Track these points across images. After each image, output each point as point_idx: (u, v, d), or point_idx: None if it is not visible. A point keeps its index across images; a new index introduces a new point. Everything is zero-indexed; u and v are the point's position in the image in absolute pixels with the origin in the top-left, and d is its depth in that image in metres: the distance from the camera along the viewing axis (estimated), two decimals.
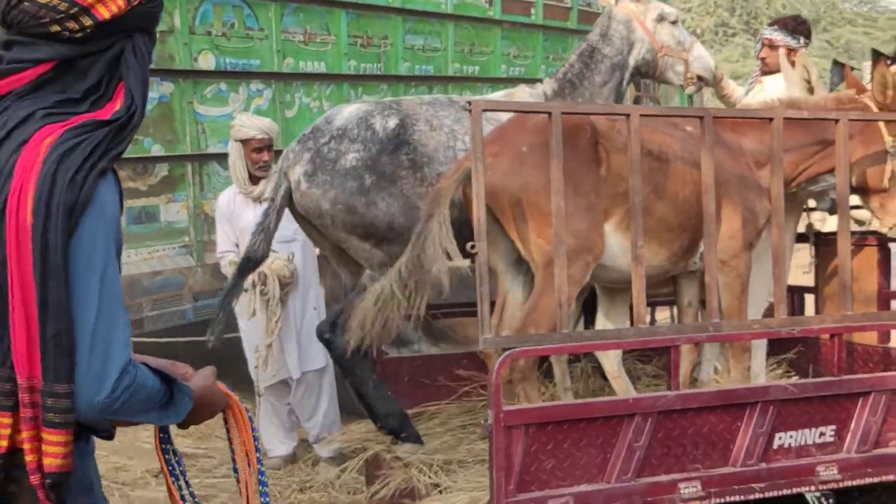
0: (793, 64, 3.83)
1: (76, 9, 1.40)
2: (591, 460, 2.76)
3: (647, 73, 4.10)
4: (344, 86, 5.82)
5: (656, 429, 2.81)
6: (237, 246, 4.26)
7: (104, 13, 1.42)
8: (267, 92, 5.37)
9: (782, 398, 2.96)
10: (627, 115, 2.82)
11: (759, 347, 3.60)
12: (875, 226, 3.67)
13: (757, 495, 2.91)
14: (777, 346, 3.93)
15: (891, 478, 3.11)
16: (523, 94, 3.89)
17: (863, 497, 3.34)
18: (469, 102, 2.69)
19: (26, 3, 1.41)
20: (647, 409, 2.81)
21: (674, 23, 4.03)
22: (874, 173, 3.25)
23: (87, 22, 1.42)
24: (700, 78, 4.09)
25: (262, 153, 4.20)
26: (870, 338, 3.69)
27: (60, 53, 1.43)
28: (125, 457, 4.13)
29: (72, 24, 1.41)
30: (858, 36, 20.32)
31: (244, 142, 4.18)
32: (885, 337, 3.69)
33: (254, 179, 4.26)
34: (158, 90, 4.80)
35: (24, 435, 1.38)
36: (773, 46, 4.12)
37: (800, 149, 3.27)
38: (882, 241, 3.74)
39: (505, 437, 2.61)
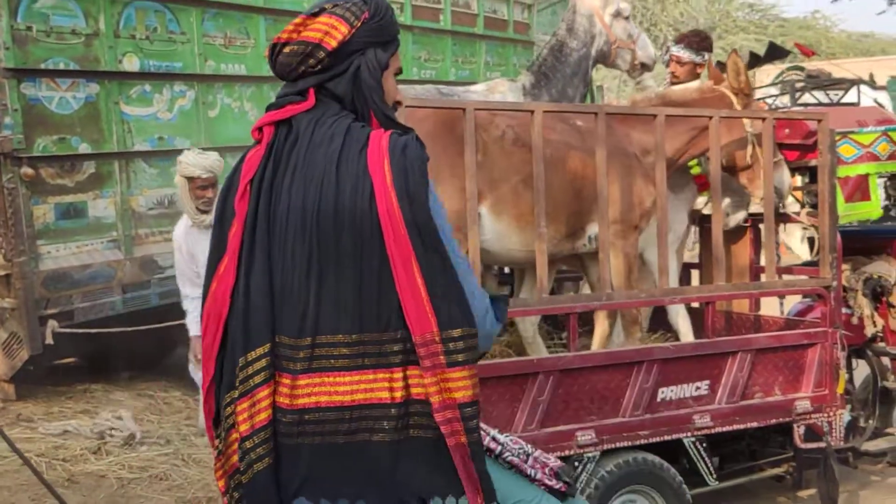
0: (697, 76, 4.44)
1: (310, 48, 1.68)
2: (500, 413, 3.15)
3: (602, 62, 4.68)
4: (264, 87, 6.08)
5: (557, 385, 3.23)
6: (198, 276, 4.42)
7: (332, 43, 1.68)
8: (190, 93, 5.59)
9: (664, 357, 3.43)
10: (531, 112, 3.24)
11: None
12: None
13: (642, 441, 3.36)
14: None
15: (755, 424, 3.62)
16: (503, 87, 4.35)
17: (733, 443, 3.85)
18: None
19: (280, 57, 1.72)
20: (549, 367, 3.22)
21: (626, 18, 4.64)
22: (739, 155, 3.78)
23: (321, 55, 1.69)
24: (643, 65, 4.73)
25: (206, 190, 4.30)
26: (746, 306, 4.24)
27: (311, 83, 1.71)
28: (61, 438, 4.32)
29: (311, 61, 1.69)
30: (751, 43, 21.46)
31: (189, 179, 4.30)
32: (755, 305, 4.23)
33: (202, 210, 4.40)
34: (85, 91, 4.98)
35: (428, 380, 1.59)
36: (680, 63, 4.64)
37: (678, 136, 3.75)
38: (754, 222, 4.28)
39: None
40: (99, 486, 3.68)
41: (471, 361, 1.63)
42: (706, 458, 3.49)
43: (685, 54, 4.62)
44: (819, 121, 3.77)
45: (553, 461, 2.03)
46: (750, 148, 3.73)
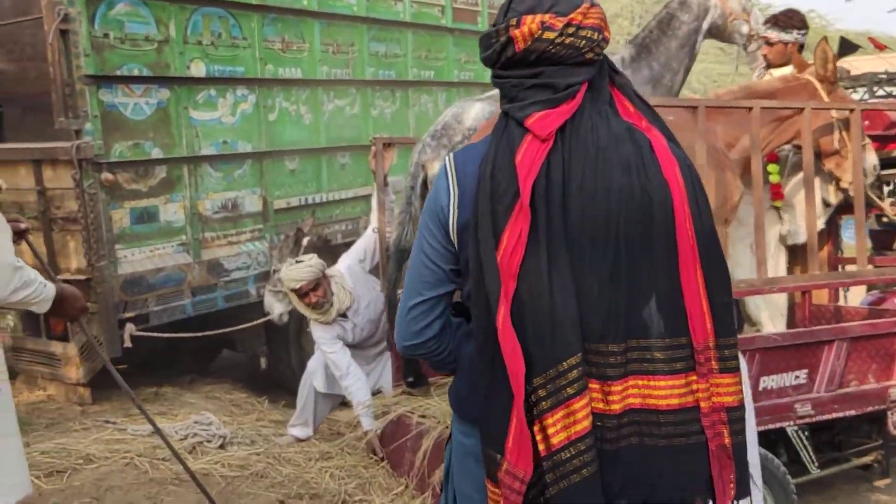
0: (790, 56, 4.48)
1: (599, 34, 1.67)
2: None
3: (717, 37, 4.66)
4: (318, 90, 6.15)
5: None
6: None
7: (607, 34, 1.69)
8: (251, 97, 5.65)
9: (765, 347, 3.52)
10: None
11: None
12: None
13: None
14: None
15: (852, 412, 3.71)
16: None
17: (823, 433, 3.94)
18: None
19: (569, 39, 1.65)
20: None
21: None
22: (825, 141, 3.88)
23: (604, 45, 1.69)
24: (756, 38, 4.66)
25: (309, 296, 4.52)
26: (824, 298, 4.33)
27: (590, 73, 1.68)
28: (150, 439, 4.37)
29: (597, 49, 1.67)
30: None
31: (293, 291, 4.54)
32: (835, 296, 4.33)
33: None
34: (157, 96, 5.03)
35: (700, 386, 1.62)
36: (770, 43, 4.64)
37: (762, 128, 3.84)
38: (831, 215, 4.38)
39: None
40: (207, 483, 3.72)
41: (738, 369, 1.66)
42: (808, 447, 3.58)
43: (773, 34, 4.61)
44: None
45: None
46: (836, 133, 3.83)
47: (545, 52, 1.66)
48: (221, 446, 4.40)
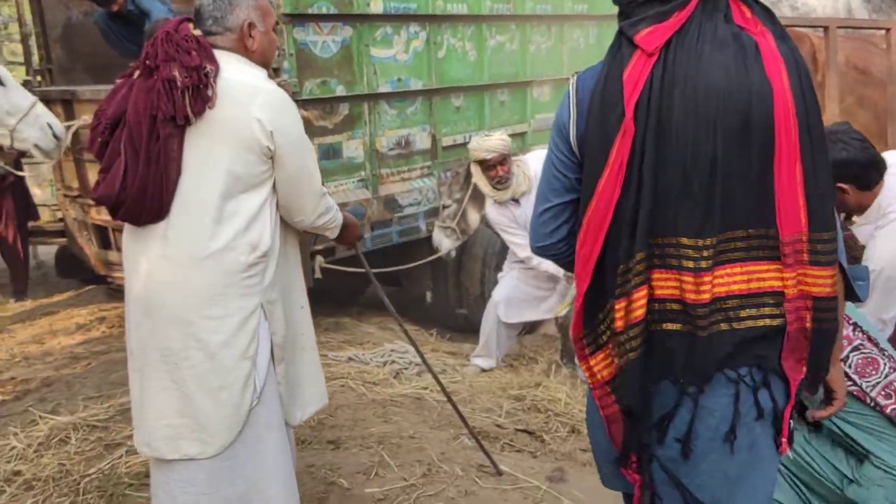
0: None
1: None
2: None
3: None
4: (483, 26, 6.15)
5: None
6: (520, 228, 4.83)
7: None
8: (422, 34, 5.70)
9: None
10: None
11: None
12: None
13: None
14: None
15: None
16: None
17: None
18: None
19: None
20: None
21: None
22: None
23: None
24: None
25: (495, 169, 4.67)
26: None
27: None
28: (350, 366, 4.59)
29: None
30: None
31: (479, 162, 4.68)
32: None
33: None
34: (341, 34, 5.14)
35: (788, 275, 1.75)
36: None
37: None
38: None
39: None
40: (422, 408, 3.91)
41: (833, 262, 1.75)
42: None
43: None
44: None
45: None
46: None
47: None
48: (418, 374, 4.59)
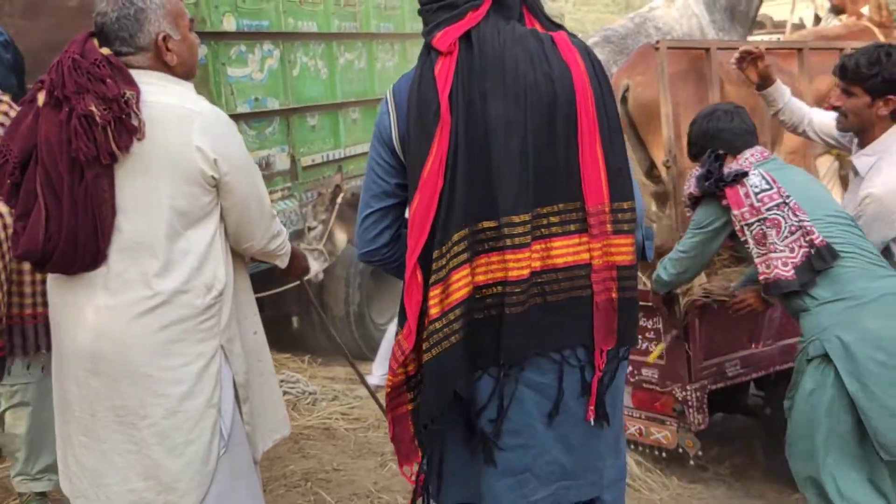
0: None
1: None
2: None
3: None
4: (333, 45, 6.06)
5: None
6: None
7: None
8: (276, 52, 5.52)
9: None
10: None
11: None
12: None
13: None
14: None
15: None
16: None
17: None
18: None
19: None
20: None
21: None
22: None
23: None
24: None
25: None
26: None
27: None
28: None
29: None
30: None
31: None
32: None
33: None
34: (199, 53, 4.85)
35: (594, 245, 1.89)
36: None
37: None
38: None
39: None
40: (333, 437, 3.77)
41: (633, 231, 1.92)
42: None
43: None
44: None
45: None
46: None
47: None
48: (313, 403, 4.42)
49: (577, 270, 1.88)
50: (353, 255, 5.90)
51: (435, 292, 1.81)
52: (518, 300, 1.82)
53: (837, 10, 5.02)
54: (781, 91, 3.24)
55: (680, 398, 3.51)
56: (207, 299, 2.22)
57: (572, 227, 1.88)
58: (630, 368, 3.58)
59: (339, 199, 5.52)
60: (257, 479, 2.44)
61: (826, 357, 2.45)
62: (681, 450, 3.58)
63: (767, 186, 2.65)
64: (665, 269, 3.08)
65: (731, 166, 2.76)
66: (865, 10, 4.61)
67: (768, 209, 2.62)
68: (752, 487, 3.79)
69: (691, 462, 3.68)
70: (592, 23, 20.21)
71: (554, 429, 1.89)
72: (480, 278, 1.83)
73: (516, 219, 1.82)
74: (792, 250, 2.56)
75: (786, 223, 2.58)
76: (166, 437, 2.16)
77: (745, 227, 2.65)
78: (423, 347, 1.85)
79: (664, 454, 3.70)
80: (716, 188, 2.70)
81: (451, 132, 1.83)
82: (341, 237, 5.65)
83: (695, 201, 2.87)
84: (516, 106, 1.84)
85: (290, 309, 6.06)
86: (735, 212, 2.67)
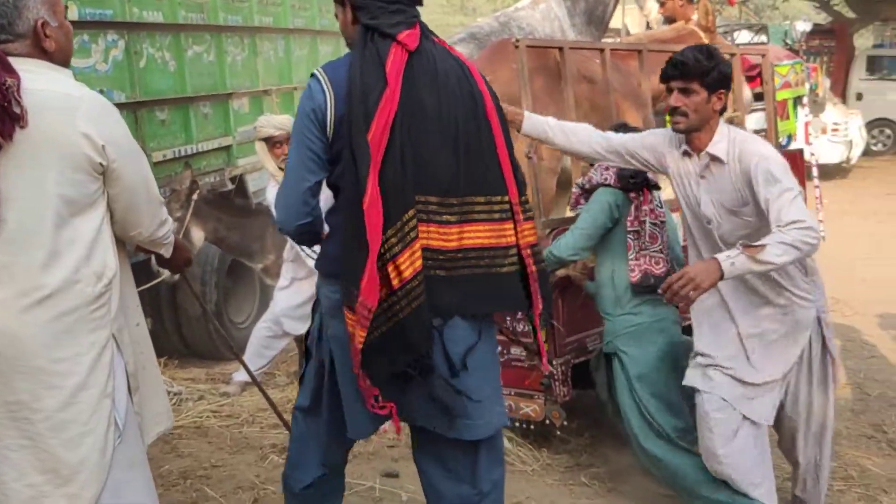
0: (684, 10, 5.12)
1: None
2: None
3: None
4: (180, 36, 5.88)
5: None
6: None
7: None
8: (121, 43, 5.30)
9: None
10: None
11: None
12: None
13: None
14: None
15: None
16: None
17: None
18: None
19: None
20: None
21: None
22: None
23: None
24: None
25: (282, 147, 4.57)
26: None
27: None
28: None
29: None
30: None
31: (266, 140, 4.62)
32: None
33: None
34: None
35: (518, 229, 2.31)
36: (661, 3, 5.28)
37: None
38: None
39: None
40: (207, 436, 3.70)
41: (532, 217, 2.38)
42: None
43: None
44: (763, 56, 4.75)
45: None
46: None
47: None
48: (178, 403, 4.31)
49: (507, 250, 2.29)
50: (209, 253, 5.78)
51: (404, 256, 2.11)
52: (448, 267, 2.20)
53: (669, 21, 5.45)
54: (531, 119, 3.20)
55: (546, 373, 3.72)
56: (98, 287, 2.18)
57: (500, 216, 2.27)
58: (500, 349, 3.74)
59: (194, 196, 5.37)
60: (149, 469, 2.40)
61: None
62: (548, 421, 3.78)
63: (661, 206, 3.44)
64: (563, 246, 3.44)
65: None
66: (695, 16, 5.05)
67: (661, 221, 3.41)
68: (606, 454, 4.07)
69: (557, 432, 3.90)
70: (428, 23, 20.73)
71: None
72: (425, 243, 2.17)
73: (447, 200, 2.19)
74: (657, 262, 3.36)
75: (661, 239, 3.39)
76: (62, 430, 2.09)
77: (646, 222, 3.32)
78: (402, 304, 2.12)
79: (532, 427, 3.89)
80: (636, 186, 3.37)
81: (397, 118, 2.13)
82: (198, 234, 5.49)
83: (591, 189, 3.47)
84: (449, 106, 2.20)
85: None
86: (644, 207, 3.36)
